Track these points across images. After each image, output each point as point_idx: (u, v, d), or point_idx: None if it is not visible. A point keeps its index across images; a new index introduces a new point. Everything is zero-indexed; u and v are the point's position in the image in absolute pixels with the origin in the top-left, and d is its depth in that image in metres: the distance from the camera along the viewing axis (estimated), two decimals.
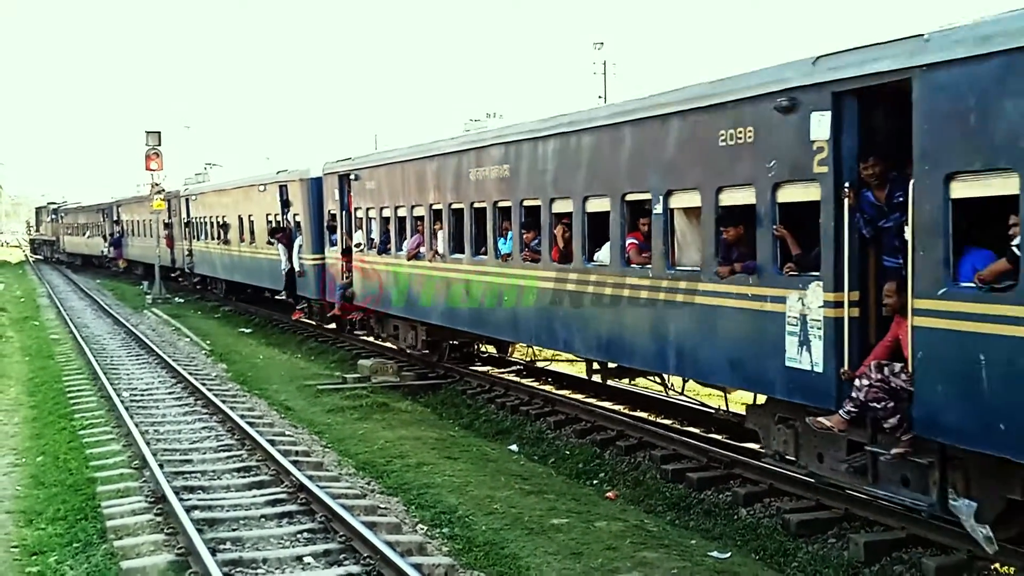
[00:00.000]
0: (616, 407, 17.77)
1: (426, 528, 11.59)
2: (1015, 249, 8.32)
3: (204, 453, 15.17)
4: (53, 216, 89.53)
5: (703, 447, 14.01)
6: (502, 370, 21.54)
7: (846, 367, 10.13)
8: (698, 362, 12.47)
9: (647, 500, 12.90)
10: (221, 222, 37.36)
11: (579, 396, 18.51)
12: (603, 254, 14.35)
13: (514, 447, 16.03)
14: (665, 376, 15.17)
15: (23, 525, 11.89)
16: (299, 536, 11.09)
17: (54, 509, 12.32)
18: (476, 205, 18.02)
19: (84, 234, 73.48)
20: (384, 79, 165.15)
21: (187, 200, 42.77)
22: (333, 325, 28.45)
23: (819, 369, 10.42)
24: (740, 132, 11.42)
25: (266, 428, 16.70)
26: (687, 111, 12.35)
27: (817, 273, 10.45)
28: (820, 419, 10.33)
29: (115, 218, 61.39)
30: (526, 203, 16.37)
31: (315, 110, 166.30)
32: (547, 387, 19.76)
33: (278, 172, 30.83)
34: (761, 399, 12.07)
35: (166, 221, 46.77)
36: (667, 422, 16.56)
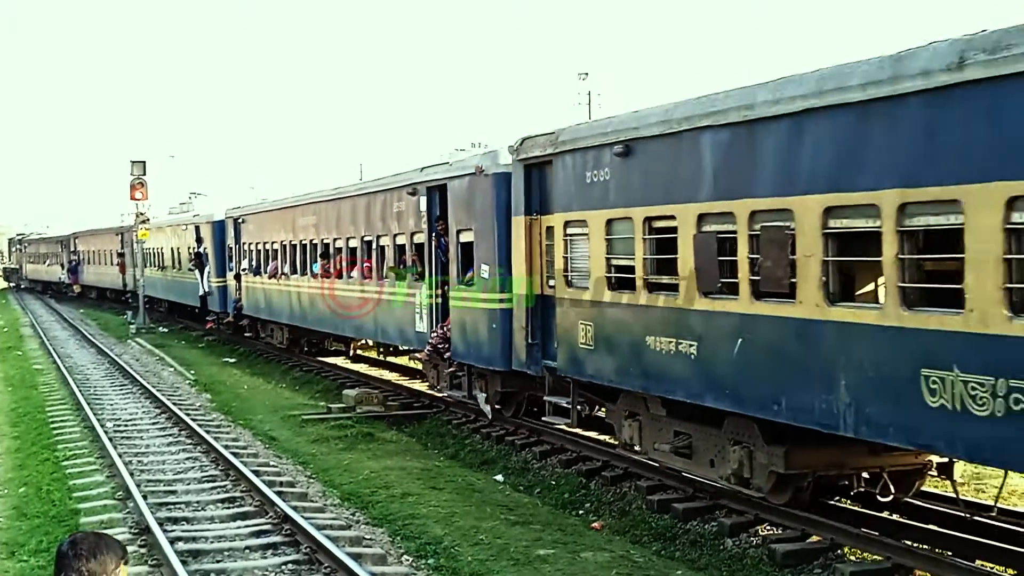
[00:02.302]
0: (602, 437, 17.73)
1: (411, 559, 11.52)
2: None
3: (188, 484, 15.07)
4: (19, 246, 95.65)
5: (689, 477, 13.96)
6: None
7: (434, 328, 19.42)
8: (387, 332, 22.73)
9: (633, 531, 12.84)
10: (160, 252, 45.34)
11: (563, 426, 18.45)
12: (355, 272, 24.08)
13: (499, 477, 15.97)
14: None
15: (5, 557, 11.79)
16: (284, 568, 11.02)
17: (37, 541, 12.22)
18: (302, 242, 28.10)
19: (44, 262, 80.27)
20: (371, 107, 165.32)
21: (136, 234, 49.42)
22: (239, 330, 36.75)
23: (425, 331, 19.94)
24: (401, 204, 21.41)
25: (250, 459, 16.61)
26: (382, 191, 22.74)
27: (425, 280, 19.96)
28: (416, 355, 21.64)
29: (72, 248, 69.38)
30: (324, 240, 26.47)
31: (301, 137, 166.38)
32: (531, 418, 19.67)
33: (194, 216, 40.16)
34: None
35: (119, 251, 54.90)
36: None
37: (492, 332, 17.06)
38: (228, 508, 13.63)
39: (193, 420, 19.67)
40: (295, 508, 12.73)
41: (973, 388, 8.56)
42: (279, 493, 13.59)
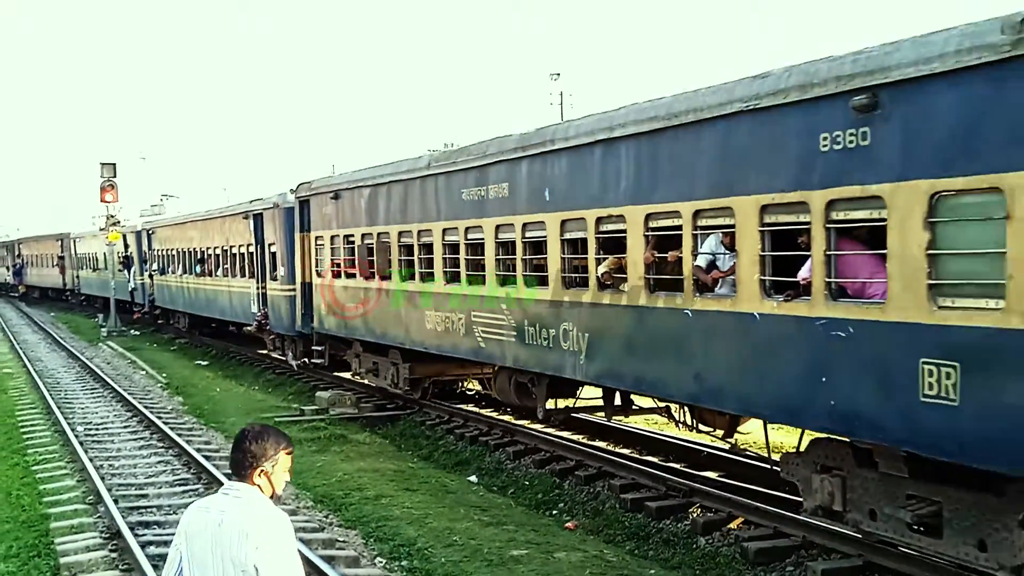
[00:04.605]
0: (575, 436, 17.77)
1: (385, 561, 11.49)
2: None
3: (160, 487, 14.98)
4: None
5: (661, 476, 14.01)
6: (460, 402, 21.50)
7: (262, 311, 27.81)
8: (237, 313, 31.29)
9: (606, 530, 12.86)
10: (94, 256, 53.86)
11: (538, 426, 18.49)
12: (220, 272, 32.93)
13: (473, 478, 15.95)
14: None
15: None
16: None
17: (6, 546, 12.09)
18: (191, 248, 36.69)
19: None
20: (345, 107, 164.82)
21: (75, 240, 60.65)
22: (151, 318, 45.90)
23: (256, 312, 28.23)
24: (241, 225, 29.92)
25: (223, 462, 16.50)
26: (231, 215, 31.42)
27: (254, 277, 28.56)
28: (248, 328, 30.90)
29: (16, 253, 79.45)
30: (202, 248, 35.26)
31: (274, 137, 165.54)
32: (506, 417, 19.71)
33: (120, 226, 49.97)
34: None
35: (59, 255, 64.74)
36: (626, 451, 16.56)
37: (287, 311, 25.97)
38: None
39: (165, 423, 19.55)
40: None
41: (443, 321, 17.63)
42: None
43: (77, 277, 60.01)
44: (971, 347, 8.27)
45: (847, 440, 10.11)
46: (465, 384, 22.63)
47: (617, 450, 16.64)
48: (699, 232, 11.38)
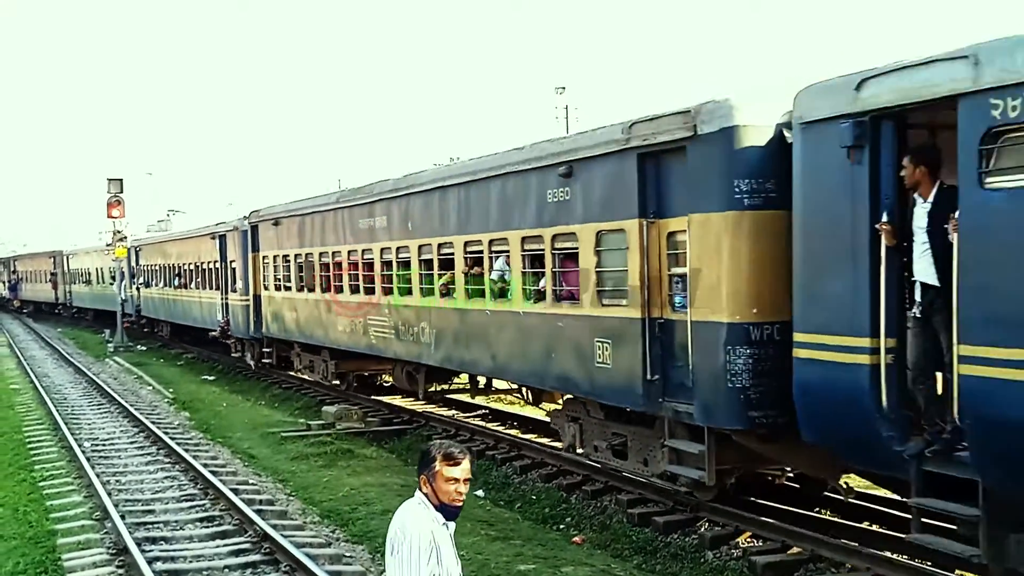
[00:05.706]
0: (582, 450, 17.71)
1: None
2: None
3: (167, 503, 15.04)
4: None
5: (669, 489, 13.95)
6: (467, 415, 21.51)
7: (225, 319, 32.45)
8: (206, 321, 35.59)
9: (614, 544, 12.85)
10: (87, 271, 59.22)
11: (545, 440, 18.46)
12: (193, 284, 37.11)
13: (480, 492, 15.94)
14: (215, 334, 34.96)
15: None
16: None
17: (13, 563, 12.21)
18: (171, 263, 40.84)
19: None
20: (352, 120, 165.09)
21: (68, 257, 65.63)
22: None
23: (220, 319, 32.91)
24: (210, 245, 33.87)
25: (229, 477, 16.55)
26: (201, 235, 35.76)
27: (219, 289, 32.87)
28: (213, 333, 34.76)
29: (12, 269, 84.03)
30: (178, 264, 39.49)
31: (280, 151, 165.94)
32: (513, 431, 19.71)
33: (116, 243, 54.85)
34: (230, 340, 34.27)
35: (52, 271, 69.22)
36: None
37: (243, 318, 30.28)
38: (207, 527, 13.61)
39: (171, 439, 19.61)
40: (274, 526, 12.73)
41: (350, 324, 21.99)
42: (258, 511, 13.58)
43: (69, 292, 65.78)
44: (616, 330, 12.94)
45: (573, 396, 14.91)
46: (382, 377, 26.60)
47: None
48: (493, 255, 16.26)
